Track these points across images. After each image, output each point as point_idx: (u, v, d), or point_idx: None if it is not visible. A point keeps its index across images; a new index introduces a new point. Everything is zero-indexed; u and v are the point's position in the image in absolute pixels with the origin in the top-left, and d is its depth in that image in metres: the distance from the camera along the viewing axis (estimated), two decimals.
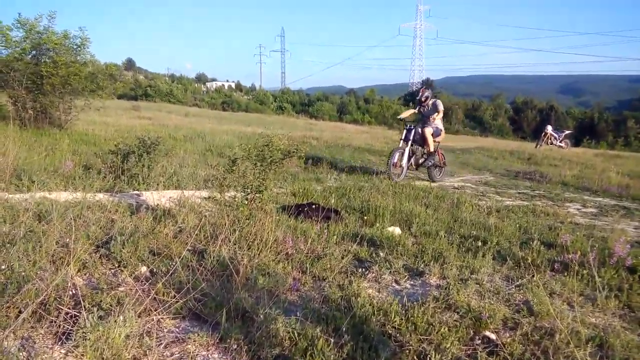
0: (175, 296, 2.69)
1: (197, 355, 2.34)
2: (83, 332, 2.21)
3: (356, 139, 18.44)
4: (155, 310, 2.58)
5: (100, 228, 3.75)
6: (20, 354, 2.16)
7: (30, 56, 10.75)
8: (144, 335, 2.36)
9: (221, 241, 3.55)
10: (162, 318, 2.59)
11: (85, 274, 3.07)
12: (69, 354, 2.20)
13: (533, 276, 3.53)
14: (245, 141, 8.10)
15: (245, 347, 2.39)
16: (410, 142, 9.01)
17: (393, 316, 2.76)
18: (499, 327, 2.84)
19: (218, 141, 12.65)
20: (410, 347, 2.51)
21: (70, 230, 3.33)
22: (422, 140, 9.18)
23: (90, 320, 2.25)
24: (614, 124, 60.72)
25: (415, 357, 2.42)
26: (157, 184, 5.76)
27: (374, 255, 4.02)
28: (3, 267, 2.72)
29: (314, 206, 5.12)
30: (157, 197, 5.06)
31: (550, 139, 23.35)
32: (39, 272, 2.76)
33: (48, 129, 10.60)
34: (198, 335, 2.45)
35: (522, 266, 3.86)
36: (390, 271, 3.68)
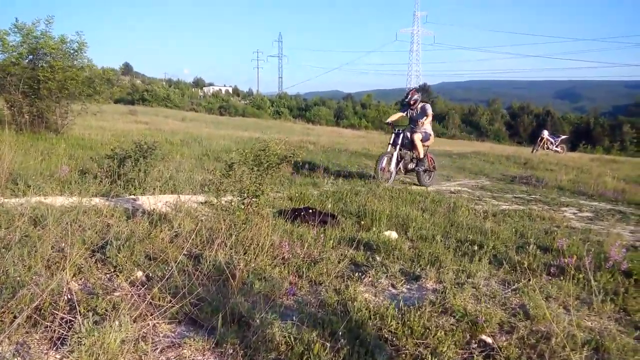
0: (171, 301, 2.68)
1: (192, 359, 2.34)
2: (78, 337, 2.20)
3: (353, 143, 18.47)
4: (151, 315, 2.57)
5: (96, 233, 3.74)
6: (15, 359, 2.15)
7: (27, 61, 10.76)
8: (140, 340, 2.35)
9: (217, 246, 3.54)
10: (157, 323, 2.58)
11: (80, 279, 3.06)
12: (64, 359, 2.19)
13: (529, 280, 3.54)
14: (242, 146, 8.10)
15: (242, 351, 2.38)
16: (398, 147, 8.89)
17: (389, 320, 2.76)
18: (495, 331, 2.84)
19: (215, 146, 12.66)
20: (407, 351, 2.51)
21: (65, 235, 3.33)
22: (410, 145, 9.06)
23: (86, 325, 2.24)
24: (609, 129, 61.01)
25: None
26: (154, 189, 5.76)
27: (370, 259, 4.02)
28: None
29: (310, 210, 5.12)
30: (153, 201, 5.05)
31: (547, 144, 23.42)
32: (34, 277, 2.75)
33: (44, 133, 10.59)
34: (194, 340, 2.44)
35: (519, 270, 3.86)
36: (387, 275, 3.68)
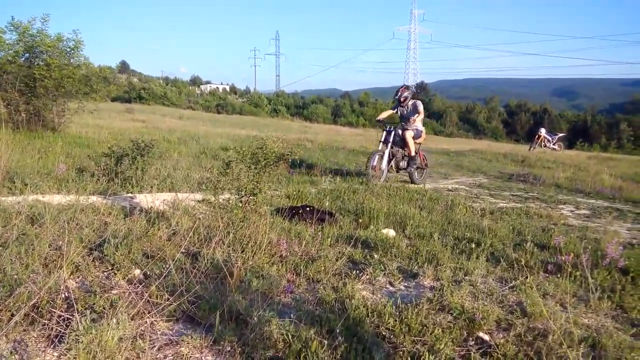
0: (168, 299, 2.69)
1: (190, 357, 2.34)
2: (76, 335, 2.20)
3: (350, 141, 18.47)
4: (149, 312, 2.57)
5: (94, 231, 3.73)
6: (13, 357, 2.15)
7: (23, 59, 10.73)
8: (137, 338, 2.35)
9: (215, 244, 3.54)
10: (155, 321, 2.58)
11: (78, 277, 3.06)
12: (61, 357, 2.19)
13: (526, 277, 3.54)
14: (240, 144, 8.09)
15: (239, 349, 2.38)
16: (390, 144, 8.73)
17: (387, 318, 2.76)
18: (492, 328, 2.85)
19: (212, 144, 12.65)
20: (404, 348, 2.51)
21: (63, 233, 3.32)
22: (402, 142, 8.93)
23: (83, 323, 2.24)
24: (607, 126, 61.22)
25: (409, 359, 2.42)
26: (151, 187, 5.75)
27: (368, 257, 4.02)
28: None
29: (308, 208, 5.12)
30: (150, 199, 5.05)
31: (544, 142, 23.46)
32: (31, 275, 2.74)
33: (41, 131, 10.56)
34: (192, 337, 2.45)
35: (516, 268, 3.87)
36: (385, 273, 3.68)
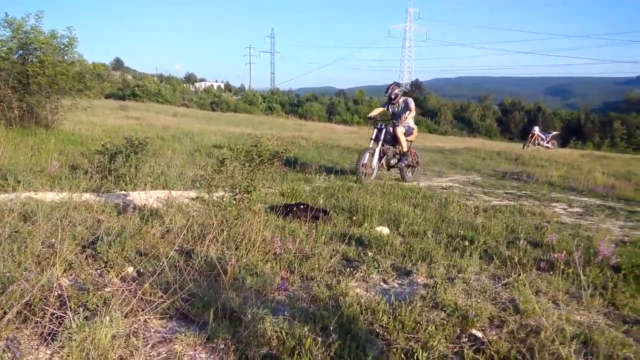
0: (162, 296, 2.68)
1: (184, 355, 2.34)
2: (69, 332, 2.20)
3: (345, 139, 18.48)
4: (142, 310, 2.57)
5: (87, 228, 3.72)
6: (5, 355, 2.14)
7: (17, 55, 10.67)
8: (131, 336, 2.35)
9: (209, 241, 3.54)
10: (149, 318, 2.58)
11: (71, 275, 3.04)
12: (54, 354, 2.18)
13: (519, 275, 3.56)
14: (234, 141, 8.08)
15: (233, 346, 2.38)
16: (381, 142, 8.66)
17: (381, 315, 2.77)
18: (485, 325, 2.86)
19: (207, 141, 12.62)
20: (398, 345, 2.52)
21: (56, 230, 3.31)
22: (393, 140, 8.86)
23: (76, 321, 2.24)
24: (600, 125, 61.49)
25: (402, 356, 2.43)
26: (145, 184, 5.73)
27: (362, 254, 4.03)
28: None
29: (302, 206, 5.12)
30: (144, 197, 5.03)
31: (538, 140, 23.55)
32: (24, 273, 2.74)
33: (34, 128, 10.51)
34: (185, 335, 2.44)
35: (509, 265, 3.89)
36: (378, 270, 3.69)
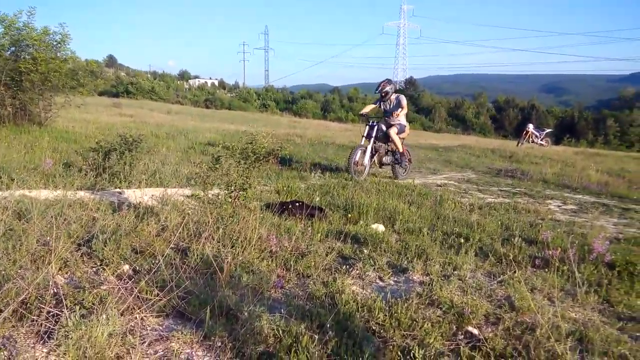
0: (158, 294, 2.68)
1: (181, 353, 2.33)
2: (65, 331, 2.19)
3: (340, 136, 18.48)
4: (139, 308, 2.56)
5: (82, 226, 3.71)
6: (2, 353, 2.13)
7: (9, 52, 10.62)
8: (127, 334, 2.34)
9: (205, 239, 3.54)
10: (145, 316, 2.57)
11: (66, 273, 3.04)
12: (50, 353, 2.18)
13: (514, 272, 3.57)
14: (229, 139, 8.06)
15: (230, 344, 2.38)
16: (373, 139, 8.60)
17: (377, 312, 2.78)
18: (481, 322, 2.88)
19: (201, 139, 12.59)
20: (394, 342, 2.53)
21: (51, 228, 3.29)
22: (385, 138, 8.80)
23: (72, 319, 2.23)
24: (593, 122, 61.73)
25: (399, 353, 2.43)
26: (139, 182, 5.71)
27: (357, 252, 4.03)
28: None
29: (297, 204, 5.12)
30: (139, 195, 5.02)
31: (532, 137, 23.60)
32: (19, 271, 2.73)
33: (27, 126, 10.46)
34: (182, 333, 2.44)
35: (504, 262, 3.90)
36: (374, 268, 3.70)
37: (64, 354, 2.11)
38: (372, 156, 8.66)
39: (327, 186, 6.90)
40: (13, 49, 10.63)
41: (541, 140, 23.54)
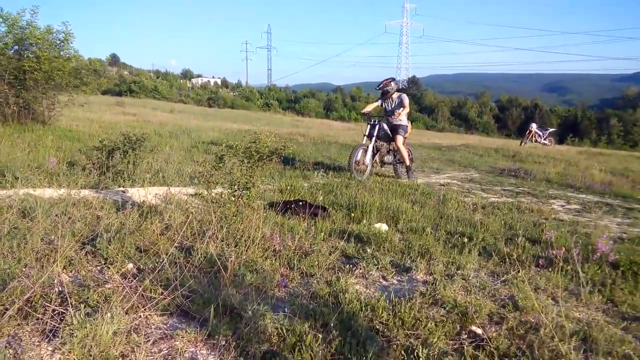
0: (162, 293, 2.68)
1: (185, 351, 2.34)
2: (70, 329, 2.20)
3: (343, 135, 18.47)
4: (143, 307, 2.57)
5: (86, 225, 3.72)
6: (7, 351, 2.14)
7: (12, 51, 10.63)
8: (132, 332, 2.35)
9: (208, 238, 3.54)
10: (149, 315, 2.58)
11: (71, 271, 3.04)
12: (56, 351, 2.18)
13: (518, 272, 3.57)
14: (232, 138, 8.06)
15: (234, 343, 2.39)
16: (374, 138, 8.51)
17: (380, 312, 2.78)
18: (485, 321, 2.88)
19: (204, 138, 12.60)
20: (398, 342, 2.53)
21: (55, 227, 3.31)
22: (387, 136, 8.70)
23: (77, 318, 2.24)
24: (597, 122, 61.61)
25: (402, 352, 2.43)
26: (143, 181, 5.73)
27: (361, 251, 4.03)
28: None
29: (301, 203, 5.12)
30: (142, 193, 5.02)
31: (535, 137, 23.57)
32: (24, 270, 2.73)
33: (31, 124, 10.48)
34: (186, 331, 2.45)
35: (508, 262, 3.90)
36: (378, 267, 3.69)
37: (69, 352, 2.12)
38: (373, 155, 8.59)
39: (330, 185, 6.90)
40: (16, 47, 10.65)
41: (544, 139, 23.50)
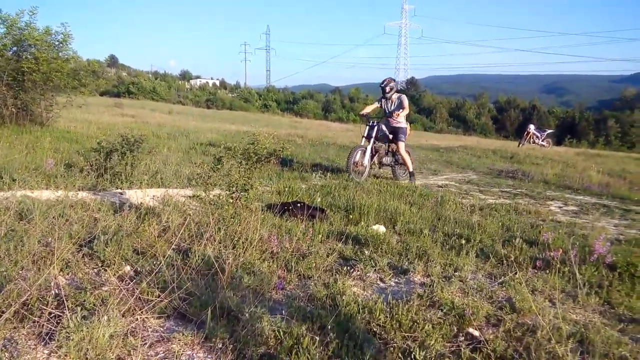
0: (159, 295, 2.68)
1: (182, 354, 2.34)
2: (66, 332, 2.19)
3: (341, 137, 18.48)
4: (140, 309, 2.56)
5: (83, 227, 3.71)
6: (3, 354, 2.14)
7: (11, 52, 10.62)
8: (129, 335, 2.35)
9: (206, 240, 3.54)
10: (146, 317, 2.57)
11: (68, 274, 3.04)
12: (52, 354, 2.18)
13: (515, 273, 3.58)
14: (230, 139, 8.06)
15: (231, 346, 2.38)
16: (372, 140, 8.48)
17: (378, 314, 2.78)
18: (482, 323, 2.88)
19: (202, 139, 12.60)
20: (395, 344, 2.53)
21: (52, 229, 3.30)
22: (385, 138, 8.69)
23: (74, 320, 2.23)
24: (594, 123, 61.74)
25: (399, 355, 2.43)
26: (141, 182, 5.72)
27: (358, 253, 4.03)
28: None
29: (299, 204, 5.12)
30: (140, 195, 5.02)
31: (533, 138, 23.60)
32: (21, 272, 2.73)
33: (29, 126, 10.47)
34: (183, 334, 2.44)
35: (505, 264, 3.90)
36: (375, 269, 3.70)
37: (66, 355, 2.11)
38: (372, 157, 8.57)
39: (328, 187, 6.90)
40: (15, 48, 10.64)
41: (542, 141, 23.53)
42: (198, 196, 4.56)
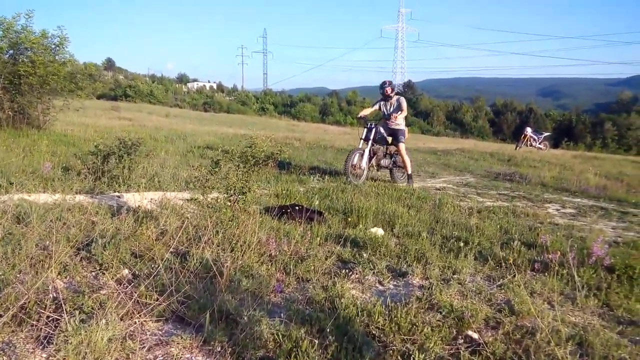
0: (158, 299, 2.67)
1: (180, 357, 2.33)
2: (65, 336, 2.18)
3: (339, 140, 18.48)
4: (138, 313, 2.55)
5: (81, 230, 3.70)
6: (1, 358, 2.13)
7: (7, 55, 10.60)
8: (127, 339, 2.34)
9: (204, 243, 3.53)
10: (144, 321, 2.56)
11: (66, 277, 3.03)
12: (50, 358, 2.17)
13: (514, 276, 3.57)
14: (227, 142, 8.05)
15: (230, 349, 2.38)
16: (370, 142, 8.46)
17: (377, 317, 2.77)
18: (481, 326, 2.87)
19: (200, 142, 12.59)
20: (394, 347, 2.53)
21: (50, 232, 3.29)
22: (383, 140, 8.70)
23: (72, 324, 2.22)
24: (591, 126, 61.97)
25: (399, 357, 2.43)
26: (138, 186, 5.71)
27: (357, 256, 4.03)
28: None
29: (297, 207, 5.12)
30: (138, 198, 5.01)
31: (530, 141, 23.64)
32: (18, 276, 2.72)
33: (26, 129, 10.44)
34: (181, 337, 2.44)
35: (503, 266, 3.90)
36: (374, 272, 3.69)
37: (64, 359, 2.10)
38: (370, 159, 8.56)
39: (326, 190, 6.90)
40: (11, 52, 10.62)
41: (539, 143, 23.57)
42: (196, 199, 4.57)
